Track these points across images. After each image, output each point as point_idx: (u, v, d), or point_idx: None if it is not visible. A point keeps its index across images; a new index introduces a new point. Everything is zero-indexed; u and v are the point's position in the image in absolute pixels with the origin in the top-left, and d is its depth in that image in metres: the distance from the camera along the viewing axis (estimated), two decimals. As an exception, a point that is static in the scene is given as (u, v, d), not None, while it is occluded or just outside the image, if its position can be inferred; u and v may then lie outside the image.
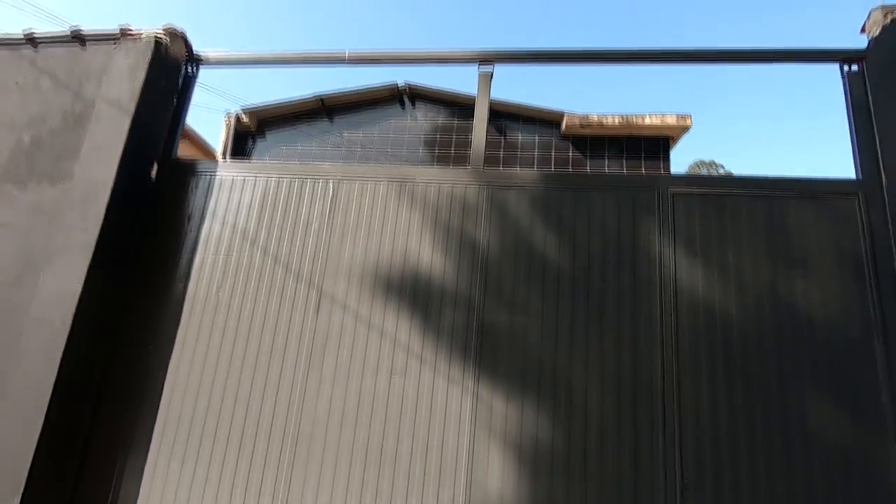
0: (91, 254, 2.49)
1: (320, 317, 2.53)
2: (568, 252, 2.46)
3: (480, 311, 2.42)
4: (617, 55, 2.82)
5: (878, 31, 2.45)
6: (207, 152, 9.25)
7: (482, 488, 2.20)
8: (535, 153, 12.44)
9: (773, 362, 2.20)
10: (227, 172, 2.85)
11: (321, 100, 12.99)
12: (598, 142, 12.43)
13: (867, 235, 2.27)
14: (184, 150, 3.93)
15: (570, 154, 12.37)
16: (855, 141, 2.46)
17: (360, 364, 2.43)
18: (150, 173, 2.84)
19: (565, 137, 12.51)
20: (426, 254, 2.56)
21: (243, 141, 10.16)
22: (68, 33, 3.03)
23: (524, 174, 2.67)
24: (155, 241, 2.76)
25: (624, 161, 12.10)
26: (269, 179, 2.80)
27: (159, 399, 2.51)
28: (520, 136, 12.64)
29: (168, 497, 2.37)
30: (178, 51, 3.00)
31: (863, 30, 2.55)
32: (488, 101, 2.79)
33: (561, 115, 12.33)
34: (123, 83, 2.78)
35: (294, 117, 11.14)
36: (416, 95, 13.32)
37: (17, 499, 2.18)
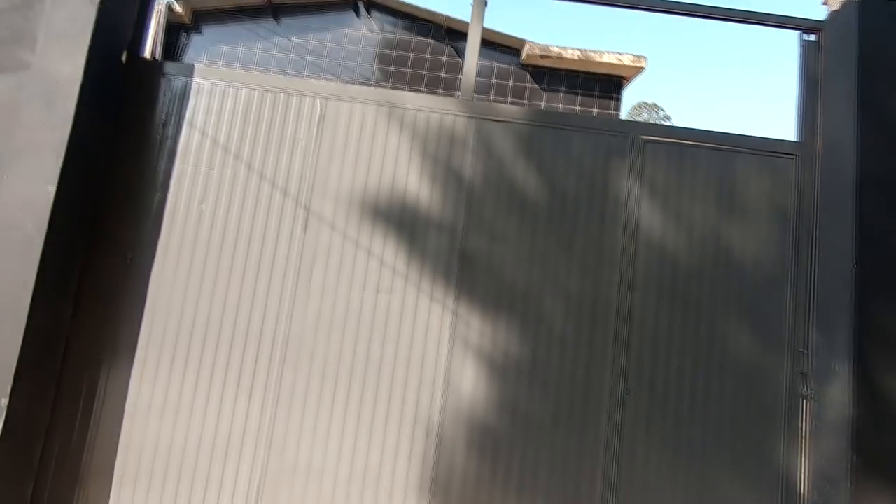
0: (63, 154, 2.35)
1: (308, 234, 2.61)
2: (546, 187, 2.67)
3: (463, 237, 2.62)
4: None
5: (837, 6, 2.69)
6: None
7: (457, 391, 2.52)
8: (493, 80, 12.26)
9: (707, 294, 2.60)
10: (204, 78, 2.71)
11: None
12: (555, 74, 12.41)
13: (797, 193, 2.66)
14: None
15: (528, 85, 12.33)
16: (801, 107, 2.78)
17: (347, 280, 2.58)
18: (117, 71, 2.64)
19: (524, 67, 12.37)
20: (414, 180, 2.66)
21: (175, 34, 9.18)
22: None
23: (510, 109, 2.78)
24: (127, 146, 2.64)
25: (578, 97, 12.27)
26: (253, 91, 2.70)
27: (143, 308, 2.55)
28: (478, 61, 12.32)
29: (157, 399, 2.49)
30: (143, -70, 2.69)
31: (825, 2, 2.78)
32: (481, 30, 2.80)
33: (522, 43, 12.09)
34: (83, -37, 2.49)
35: (236, 13, 10.13)
36: (372, 4, 12.42)
37: (5, 400, 2.21)
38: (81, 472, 2.44)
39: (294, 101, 2.71)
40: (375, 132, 2.69)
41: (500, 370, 2.54)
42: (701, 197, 2.68)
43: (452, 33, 12.39)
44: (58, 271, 2.41)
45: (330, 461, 2.48)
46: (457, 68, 11.93)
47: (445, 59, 12.33)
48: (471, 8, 2.80)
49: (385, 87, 11.07)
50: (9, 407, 2.21)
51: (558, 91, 12.29)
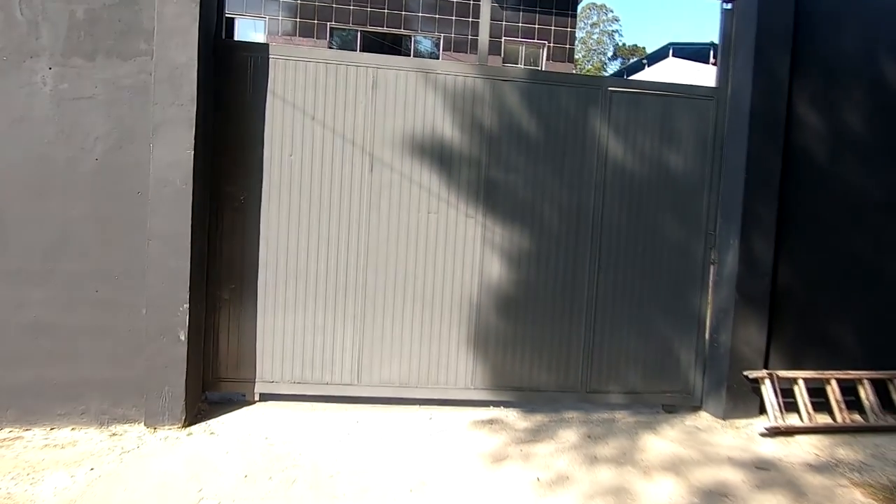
0: (193, 126, 3.15)
1: (373, 174, 3.57)
2: (543, 130, 3.69)
3: (486, 170, 3.65)
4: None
5: (747, -18, 3.69)
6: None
7: (488, 276, 3.69)
8: (455, 1, 12.46)
9: (652, 198, 3.80)
10: (279, 55, 3.46)
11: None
12: (515, -7, 12.71)
13: (713, 125, 3.81)
14: None
15: (493, 4, 12.61)
16: (719, 60, 3.85)
17: (406, 206, 3.60)
18: (215, 53, 3.34)
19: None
20: (448, 128, 3.61)
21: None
22: None
23: (515, 71, 3.70)
24: (229, 114, 3.42)
25: (537, 15, 12.75)
26: (319, 64, 3.49)
27: (257, 236, 3.49)
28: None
29: (279, 300, 3.53)
30: (214, -70, 3.25)
31: (740, -23, 3.76)
32: (490, 8, 3.62)
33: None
34: (181, -33, 3.09)
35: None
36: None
37: (186, 305, 3.19)
38: (233, 355, 3.52)
39: (352, 70, 3.52)
40: (416, 92, 3.58)
41: (515, 260, 3.72)
42: (648, 130, 3.79)
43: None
44: (201, 212, 3.30)
45: (406, 330, 3.65)
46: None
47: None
48: (481, -11, 3.60)
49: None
50: (189, 310, 3.21)
51: (518, 10, 12.71)
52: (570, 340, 3.79)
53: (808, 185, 3.76)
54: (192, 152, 3.16)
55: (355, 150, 3.54)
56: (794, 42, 3.66)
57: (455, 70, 3.61)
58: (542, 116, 3.68)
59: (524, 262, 3.73)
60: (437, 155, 3.61)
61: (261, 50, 3.45)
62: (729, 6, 3.82)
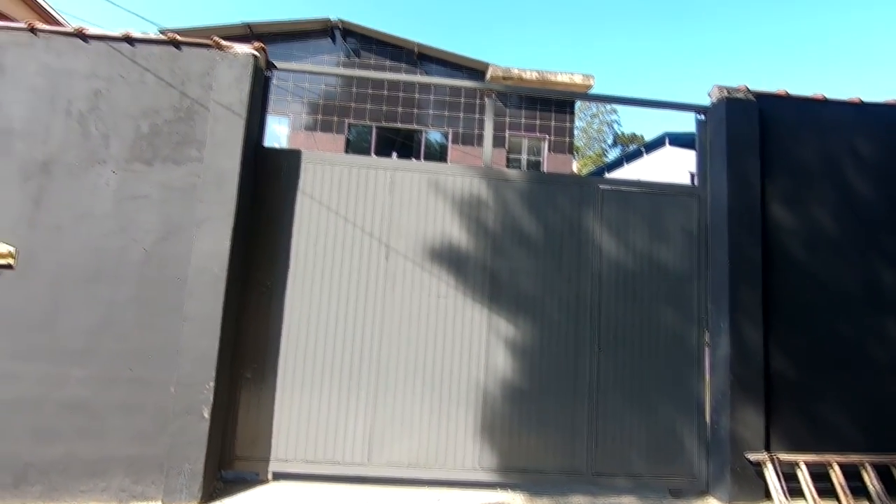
0: (232, 221, 3.58)
1: (389, 262, 3.94)
2: (541, 225, 4.10)
3: (490, 260, 4.01)
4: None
5: (715, 100, 4.26)
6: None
7: (494, 360, 3.92)
8: (462, 100, 13.69)
9: (646, 288, 4.11)
10: (309, 159, 3.98)
11: (249, 26, 12.77)
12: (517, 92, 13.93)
13: (697, 220, 4.21)
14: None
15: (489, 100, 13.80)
16: (698, 162, 4.34)
17: (417, 291, 3.93)
18: (254, 158, 3.86)
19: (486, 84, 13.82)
20: (456, 222, 4.03)
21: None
22: (164, 37, 3.77)
23: (514, 173, 4.18)
24: (263, 209, 3.88)
25: (538, 112, 13.89)
26: (343, 168, 4.00)
27: (281, 319, 3.80)
28: (445, 79, 13.69)
29: (297, 379, 3.76)
30: (263, 62, 3.92)
31: (709, 95, 4.34)
32: (493, 123, 4.19)
33: (486, 66, 13.63)
34: (233, 91, 3.70)
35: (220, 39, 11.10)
36: (348, 31, 13.58)
37: (212, 383, 3.43)
38: (250, 433, 3.69)
39: (371, 173, 4.02)
40: (428, 191, 4.04)
41: (519, 345, 3.96)
42: (638, 224, 4.19)
43: (422, 57, 13.74)
44: (232, 297, 3.64)
45: (416, 410, 3.82)
46: (428, 89, 13.20)
47: (417, 88, 13.59)
48: (486, 105, 4.19)
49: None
50: (214, 388, 3.44)
51: (520, 107, 13.88)
52: (574, 424, 3.92)
53: (790, 275, 4.07)
54: (230, 243, 3.56)
55: (373, 242, 3.95)
56: (762, 148, 4.15)
57: (461, 172, 4.11)
58: (540, 213, 4.10)
59: (528, 348, 3.96)
60: (446, 246, 4.00)
61: (294, 155, 3.99)
62: (702, 117, 4.37)
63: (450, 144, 13.44)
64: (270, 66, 4.02)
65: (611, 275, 4.09)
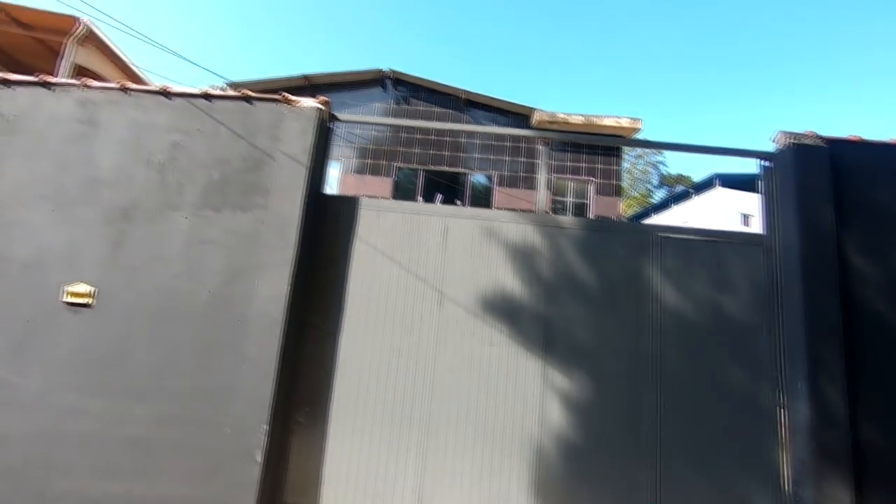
0: (292, 266, 3.69)
1: (442, 309, 3.91)
2: (596, 274, 3.99)
3: (544, 309, 3.92)
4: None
5: (781, 146, 4.11)
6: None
7: (549, 414, 3.76)
8: (508, 143, 13.90)
9: (711, 342, 3.88)
10: (366, 205, 4.09)
11: (307, 78, 13.60)
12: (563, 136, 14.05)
13: (765, 270, 3.99)
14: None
15: (539, 146, 13.93)
16: (763, 210, 4.15)
17: (469, 338, 3.87)
18: (314, 204, 4.01)
19: (535, 130, 14.03)
20: (509, 269, 3.99)
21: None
22: (238, 93, 4.05)
23: (568, 220, 4.12)
24: (320, 253, 3.98)
25: (583, 154, 13.89)
26: (398, 215, 4.07)
27: (334, 362, 3.82)
28: (493, 127, 13.99)
29: (348, 424, 3.72)
30: (326, 114, 4.12)
31: (774, 141, 4.19)
32: (547, 169, 4.20)
33: (531, 110, 13.84)
34: (298, 142, 3.90)
35: (275, 92, 11.82)
36: (398, 80, 14.22)
37: (266, 426, 3.45)
38: (299, 479, 3.65)
39: (424, 220, 4.07)
40: (482, 238, 4.04)
41: (575, 399, 3.79)
42: (700, 274, 4.00)
43: (469, 103, 14.15)
44: (289, 340, 3.70)
45: (467, 464, 3.69)
46: (473, 134, 13.50)
47: (462, 134, 13.97)
48: (541, 152, 4.21)
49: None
50: (268, 431, 3.45)
51: (566, 150, 13.92)
52: (636, 487, 3.66)
53: (872, 331, 3.74)
54: (290, 287, 3.65)
55: (426, 288, 3.95)
56: (835, 195, 3.92)
57: (515, 219, 4.09)
58: (595, 261, 4.01)
59: (584, 402, 3.79)
60: (499, 293, 3.95)
61: (351, 202, 4.11)
62: (768, 164, 4.21)
63: (495, 187, 13.56)
64: (332, 117, 4.22)
65: (672, 327, 3.90)
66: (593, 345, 3.87)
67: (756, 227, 11.89)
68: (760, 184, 4.26)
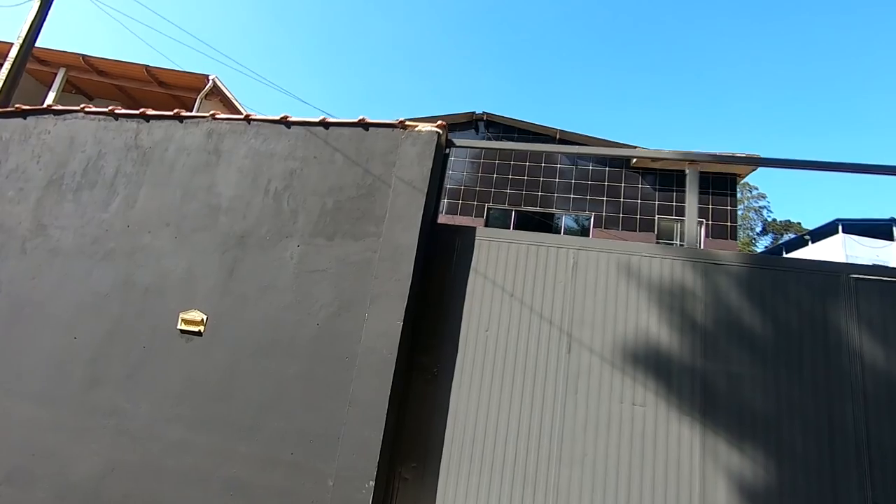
0: (406, 300, 3.35)
1: (571, 356, 3.34)
2: (768, 322, 3.23)
3: (701, 363, 3.20)
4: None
5: None
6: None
7: (714, 498, 2.97)
8: (606, 183, 13.19)
9: (938, 416, 2.93)
10: (483, 236, 3.70)
11: (402, 122, 13.91)
12: (666, 175, 13.11)
13: None
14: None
15: (640, 186, 13.09)
16: None
17: (607, 394, 3.24)
18: (429, 235, 3.70)
19: (634, 170, 13.24)
20: (654, 312, 3.35)
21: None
22: (355, 120, 3.93)
23: (728, 255, 3.44)
24: (433, 287, 3.62)
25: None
26: (520, 246, 3.63)
27: (446, 409, 3.35)
28: (591, 167, 13.40)
29: (461, 485, 3.20)
30: (444, 139, 3.87)
31: None
32: (697, 196, 3.58)
33: (632, 148, 13.05)
34: (415, 167, 3.65)
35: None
36: (490, 122, 14.21)
37: (372, 482, 3.03)
38: (404, 544, 3.14)
39: (552, 251, 3.59)
40: (618, 274, 3.46)
41: (749, 481, 2.98)
42: (914, 327, 3.10)
43: (564, 143, 13.72)
44: (398, 382, 3.31)
45: (605, 551, 2.98)
46: (570, 174, 13.00)
47: (559, 166, 13.55)
48: (688, 176, 3.62)
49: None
50: (373, 488, 3.03)
51: (670, 190, 12.92)
52: None
53: None
54: (402, 323, 3.30)
55: (552, 330, 3.41)
56: None
57: (658, 253, 3.48)
58: (766, 305, 3.25)
59: (761, 484, 2.96)
60: (641, 341, 3.31)
61: (468, 232, 3.74)
62: None
63: (591, 228, 12.81)
64: (450, 143, 3.96)
65: (880, 391, 3.00)
66: (769, 409, 3.06)
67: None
68: None
